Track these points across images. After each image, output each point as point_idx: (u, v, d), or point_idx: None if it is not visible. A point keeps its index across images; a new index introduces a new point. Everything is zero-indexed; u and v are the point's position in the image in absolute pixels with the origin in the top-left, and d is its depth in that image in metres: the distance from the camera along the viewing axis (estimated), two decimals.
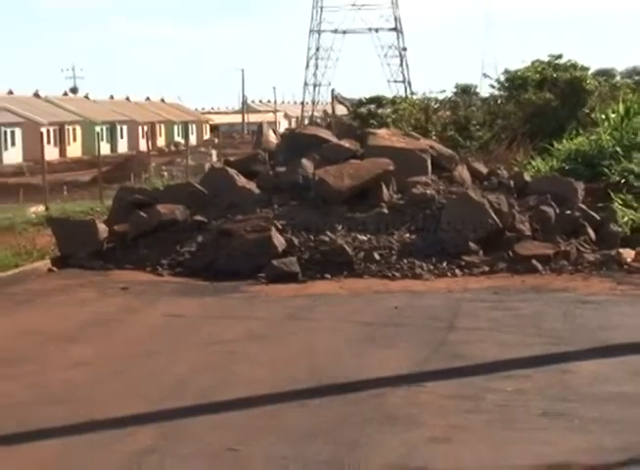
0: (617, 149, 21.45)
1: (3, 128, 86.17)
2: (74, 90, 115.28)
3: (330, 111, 79.32)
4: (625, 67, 48.73)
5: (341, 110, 76.71)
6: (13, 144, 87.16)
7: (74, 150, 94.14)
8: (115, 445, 8.25)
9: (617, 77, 38.92)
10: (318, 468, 7.57)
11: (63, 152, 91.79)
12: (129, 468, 7.70)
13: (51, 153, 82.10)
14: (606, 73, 38.93)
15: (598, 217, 18.43)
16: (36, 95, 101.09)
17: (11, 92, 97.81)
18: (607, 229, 18.16)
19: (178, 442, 8.38)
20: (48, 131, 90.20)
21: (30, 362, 11.44)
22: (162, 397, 9.70)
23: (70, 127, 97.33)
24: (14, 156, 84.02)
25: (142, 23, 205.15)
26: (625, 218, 18.50)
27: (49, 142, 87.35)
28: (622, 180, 20.16)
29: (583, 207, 18.79)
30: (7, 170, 65.63)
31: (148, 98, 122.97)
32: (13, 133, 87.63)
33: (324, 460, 7.72)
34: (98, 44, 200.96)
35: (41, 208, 30.28)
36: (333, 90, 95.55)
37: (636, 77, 39.74)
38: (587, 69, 34.56)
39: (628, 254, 17.12)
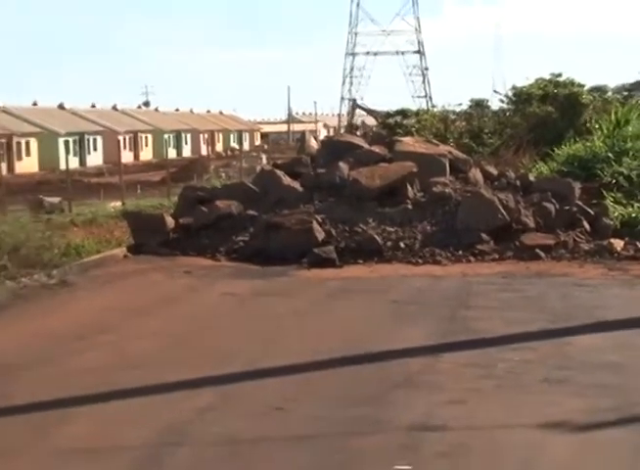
0: (609, 154, 21.35)
1: (87, 136, 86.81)
2: (147, 104, 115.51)
3: (359, 122, 79.00)
4: (616, 84, 48.13)
5: (370, 120, 76.47)
6: (95, 149, 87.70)
7: (146, 154, 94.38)
8: (182, 403, 8.39)
9: (609, 93, 38.48)
10: (352, 425, 7.61)
11: (136, 156, 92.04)
12: (194, 422, 7.84)
13: (126, 157, 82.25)
14: (599, 90, 38.54)
15: (592, 212, 18.37)
16: (114, 108, 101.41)
17: (93, 105, 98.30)
18: (600, 222, 18.08)
19: (234, 401, 8.51)
20: (124, 138, 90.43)
21: (111, 333, 11.55)
22: (220, 363, 9.78)
23: (143, 135, 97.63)
24: (95, 159, 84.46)
25: (204, 48, 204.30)
26: (616, 213, 18.40)
27: (125, 148, 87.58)
28: (613, 181, 20.07)
29: (580, 203, 18.71)
30: (90, 172, 65.86)
31: (208, 110, 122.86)
32: (95, 140, 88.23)
33: (357, 418, 7.79)
34: (166, 65, 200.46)
35: (118, 203, 30.38)
36: (354, 100, 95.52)
37: (625, 93, 39.32)
38: (583, 85, 34.35)
39: (618, 243, 17.07)
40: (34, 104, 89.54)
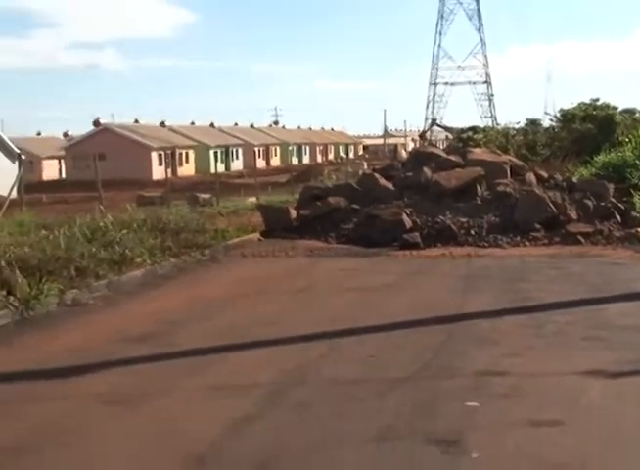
0: (637, 161, 21.12)
1: (231, 148, 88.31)
2: (276, 123, 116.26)
3: (432, 137, 78.49)
4: None
5: (445, 135, 76.01)
6: (237, 158, 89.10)
7: (275, 161, 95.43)
8: (302, 352, 8.46)
9: (637, 114, 37.73)
10: (430, 372, 7.58)
11: (268, 163, 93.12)
12: (310, 367, 7.91)
13: (260, 163, 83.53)
14: (629, 111, 37.71)
15: (623, 207, 18.24)
16: (251, 126, 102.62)
17: (236, 124, 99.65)
18: (629, 215, 17.96)
19: (339, 351, 8.52)
20: (259, 150, 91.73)
21: (246, 298, 11.74)
22: (330, 322, 9.81)
23: (273, 147, 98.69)
24: (237, 165, 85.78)
25: (320, 79, 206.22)
26: None
27: (259, 156, 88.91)
28: None
29: (613, 200, 18.62)
30: (233, 175, 66.82)
31: (323, 128, 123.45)
32: (237, 151, 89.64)
33: (434, 366, 7.77)
34: (291, 92, 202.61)
35: (254, 199, 30.77)
36: (434, 120, 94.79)
37: None
38: (616, 108, 33.87)
39: None
40: (192, 123, 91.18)
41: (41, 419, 6.51)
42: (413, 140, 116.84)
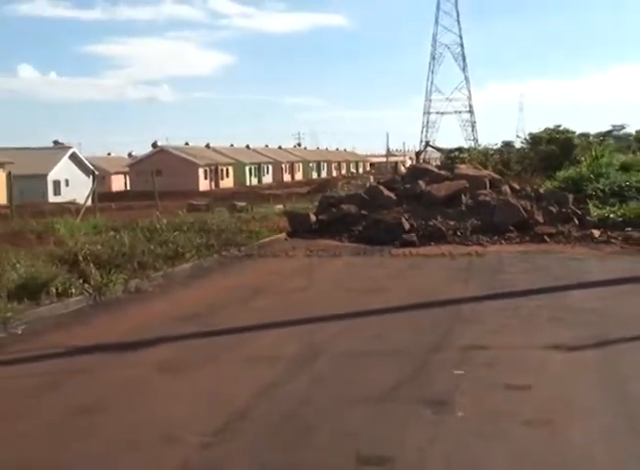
0: (591, 176, 21.14)
1: (262, 165, 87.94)
2: (299, 144, 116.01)
3: (426, 156, 78.08)
4: (596, 131, 47.53)
5: (437, 154, 75.59)
6: (267, 173, 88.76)
7: (298, 176, 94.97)
8: (320, 330, 8.46)
9: (591, 137, 37.63)
10: (423, 346, 7.58)
11: (292, 177, 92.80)
12: (327, 342, 7.91)
13: (286, 178, 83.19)
14: (584, 135, 37.59)
15: (580, 213, 18.04)
16: (279, 147, 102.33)
17: (266, 145, 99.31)
18: (585, 219, 17.74)
19: (350, 331, 8.52)
20: (285, 166, 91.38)
21: (274, 286, 11.77)
22: (342, 306, 9.81)
23: (296, 164, 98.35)
24: (267, 179, 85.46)
25: (335, 108, 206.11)
26: (595, 213, 18.02)
27: (285, 172, 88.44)
28: (593, 193, 19.90)
29: (572, 207, 18.40)
30: (264, 187, 66.74)
31: (337, 148, 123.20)
32: (267, 167, 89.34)
33: (427, 342, 7.77)
34: (314, 119, 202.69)
35: (281, 206, 30.68)
36: (427, 142, 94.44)
37: (601, 138, 38.37)
38: (574, 132, 33.82)
39: (596, 233, 16.66)
40: (231, 145, 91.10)
41: (114, 383, 6.61)
42: (410, 158, 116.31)
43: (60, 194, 56.11)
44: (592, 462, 4.75)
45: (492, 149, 35.19)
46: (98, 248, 12.41)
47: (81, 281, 10.54)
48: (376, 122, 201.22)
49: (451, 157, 39.64)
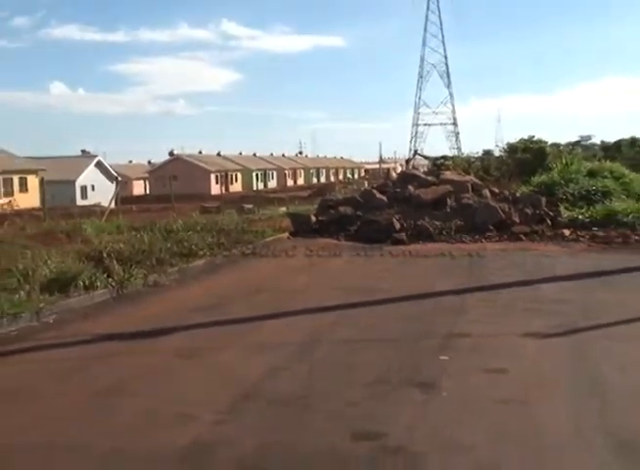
0: (562, 181, 21.06)
1: (268, 171, 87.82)
2: (301, 152, 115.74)
3: (414, 163, 77.97)
4: (566, 141, 47.43)
5: (424, 161, 75.50)
6: (272, 178, 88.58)
7: (300, 181, 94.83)
8: (318, 319, 8.45)
9: (561, 147, 37.59)
10: (412, 334, 7.58)
11: (295, 182, 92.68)
12: (326, 331, 7.87)
13: (289, 182, 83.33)
14: (555, 145, 37.51)
15: (552, 214, 18.00)
16: (283, 155, 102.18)
17: (272, 154, 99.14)
18: (556, 220, 17.72)
19: (346, 320, 8.49)
20: (288, 172, 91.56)
21: (278, 280, 11.74)
22: (340, 297, 9.77)
23: (298, 170, 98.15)
24: (272, 184, 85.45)
25: (330, 121, 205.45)
26: (566, 215, 17.99)
27: (288, 177, 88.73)
28: (564, 196, 19.81)
29: (545, 209, 18.33)
30: (269, 191, 66.54)
31: (335, 156, 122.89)
32: (272, 173, 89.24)
33: (415, 330, 7.77)
34: (311, 130, 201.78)
35: (284, 208, 30.65)
36: (416, 151, 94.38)
37: (570, 147, 38.29)
38: (546, 142, 33.73)
39: (567, 232, 16.67)
40: (240, 153, 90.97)
41: (135, 367, 6.60)
42: (401, 165, 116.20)
43: (86, 198, 56.15)
44: (559, 433, 4.78)
45: (474, 157, 35.16)
46: (120, 246, 12.41)
47: (105, 276, 10.53)
48: (370, 133, 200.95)
49: (437, 164, 39.57)
